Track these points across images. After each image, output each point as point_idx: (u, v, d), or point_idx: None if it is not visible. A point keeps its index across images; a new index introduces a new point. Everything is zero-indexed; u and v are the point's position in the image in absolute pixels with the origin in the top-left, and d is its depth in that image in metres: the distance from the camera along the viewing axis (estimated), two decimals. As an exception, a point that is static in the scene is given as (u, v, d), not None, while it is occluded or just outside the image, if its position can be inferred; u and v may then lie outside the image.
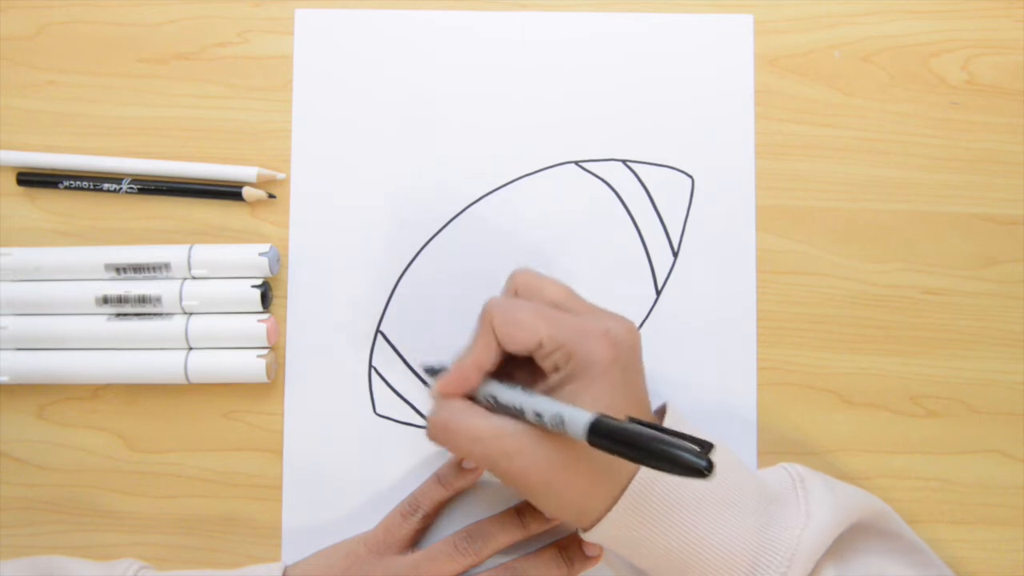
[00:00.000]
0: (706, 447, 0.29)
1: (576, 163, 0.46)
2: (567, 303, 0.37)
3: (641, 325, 0.45)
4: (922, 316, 0.45)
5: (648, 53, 0.46)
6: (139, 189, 0.45)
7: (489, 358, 0.37)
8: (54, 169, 0.46)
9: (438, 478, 0.43)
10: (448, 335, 0.45)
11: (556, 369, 0.35)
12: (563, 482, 0.34)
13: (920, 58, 0.46)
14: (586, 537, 0.36)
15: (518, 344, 0.36)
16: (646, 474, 0.34)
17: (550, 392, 0.35)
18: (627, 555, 0.36)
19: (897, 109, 0.46)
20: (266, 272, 0.44)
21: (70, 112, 0.46)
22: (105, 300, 0.44)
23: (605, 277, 0.45)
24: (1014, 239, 0.45)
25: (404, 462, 0.44)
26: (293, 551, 0.44)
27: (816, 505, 0.36)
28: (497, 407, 0.36)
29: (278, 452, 0.45)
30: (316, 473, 0.45)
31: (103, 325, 0.44)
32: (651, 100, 0.46)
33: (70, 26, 0.46)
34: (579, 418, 0.31)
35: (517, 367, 0.38)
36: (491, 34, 0.46)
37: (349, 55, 0.46)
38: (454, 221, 0.45)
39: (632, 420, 0.31)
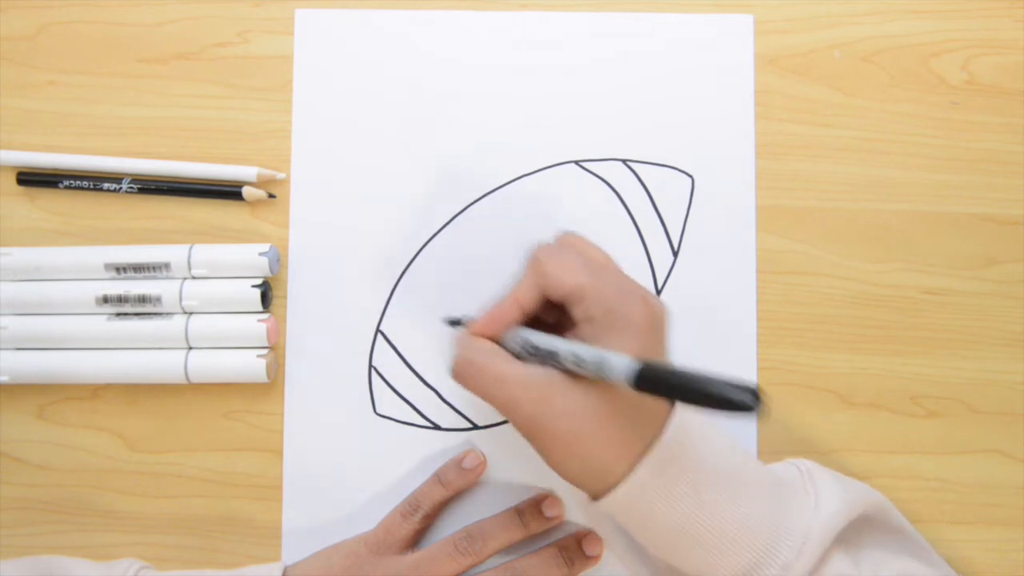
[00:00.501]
0: (752, 385, 0.29)
1: (576, 163, 0.46)
2: (611, 268, 0.38)
3: (641, 325, 0.45)
4: (922, 316, 0.45)
5: (648, 53, 0.46)
6: (139, 189, 0.45)
7: (530, 299, 0.37)
8: (54, 169, 0.46)
9: (438, 478, 0.43)
10: (448, 335, 0.45)
11: (590, 320, 0.35)
12: (588, 435, 0.34)
13: (920, 58, 0.46)
14: (599, 506, 0.35)
15: (564, 287, 0.36)
16: (672, 437, 0.34)
17: (582, 342, 0.35)
18: (635, 528, 0.36)
19: (897, 109, 0.46)
20: (266, 272, 0.44)
21: (70, 112, 0.46)
22: (105, 300, 0.44)
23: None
24: (1014, 239, 0.45)
25: (404, 462, 0.44)
26: (293, 551, 0.44)
27: (825, 495, 0.36)
28: (528, 355, 0.36)
29: (278, 452, 0.45)
30: (316, 473, 0.45)
31: (103, 325, 0.44)
32: (651, 100, 0.46)
33: (70, 26, 0.46)
34: (624, 363, 0.31)
35: (542, 327, 0.38)
36: (491, 34, 0.46)
37: (349, 55, 0.46)
38: (454, 221, 0.45)
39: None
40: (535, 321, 0.38)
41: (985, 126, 0.46)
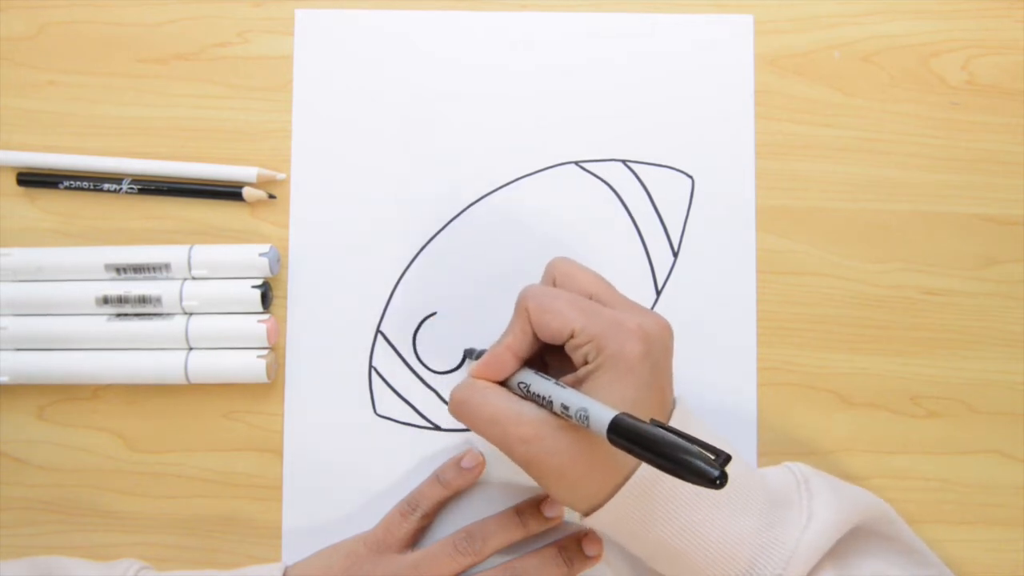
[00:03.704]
0: (722, 458, 0.29)
1: (576, 163, 0.46)
2: (603, 295, 0.38)
3: (641, 325, 0.45)
4: (922, 316, 0.45)
5: (648, 53, 0.46)
6: (139, 189, 0.45)
7: (523, 345, 0.37)
8: (54, 169, 0.46)
9: (437, 477, 0.43)
10: (448, 335, 0.45)
11: (586, 361, 0.35)
12: (573, 470, 0.35)
13: (920, 58, 0.46)
14: (585, 522, 0.36)
15: (551, 333, 0.36)
16: (649, 469, 0.34)
17: (578, 382, 0.35)
18: (624, 542, 0.37)
19: (897, 109, 0.46)
20: (266, 272, 0.44)
21: (70, 112, 0.46)
22: (105, 300, 0.44)
23: (605, 277, 0.45)
24: (1014, 239, 0.45)
25: (404, 462, 0.44)
26: (293, 551, 0.44)
27: (819, 506, 0.36)
28: (528, 395, 0.37)
29: (278, 452, 0.45)
30: (316, 473, 0.45)
31: (103, 325, 0.44)
32: (651, 100, 0.46)
33: (70, 26, 0.46)
34: (602, 415, 0.32)
35: (551, 353, 0.38)
36: (491, 34, 0.46)
37: (349, 55, 0.46)
38: (454, 221, 0.45)
39: (654, 422, 0.31)
40: (547, 350, 0.38)
41: (985, 126, 0.46)
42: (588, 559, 0.42)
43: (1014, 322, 0.45)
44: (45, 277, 0.44)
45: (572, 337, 0.36)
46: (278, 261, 0.45)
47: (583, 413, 0.33)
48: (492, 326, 0.45)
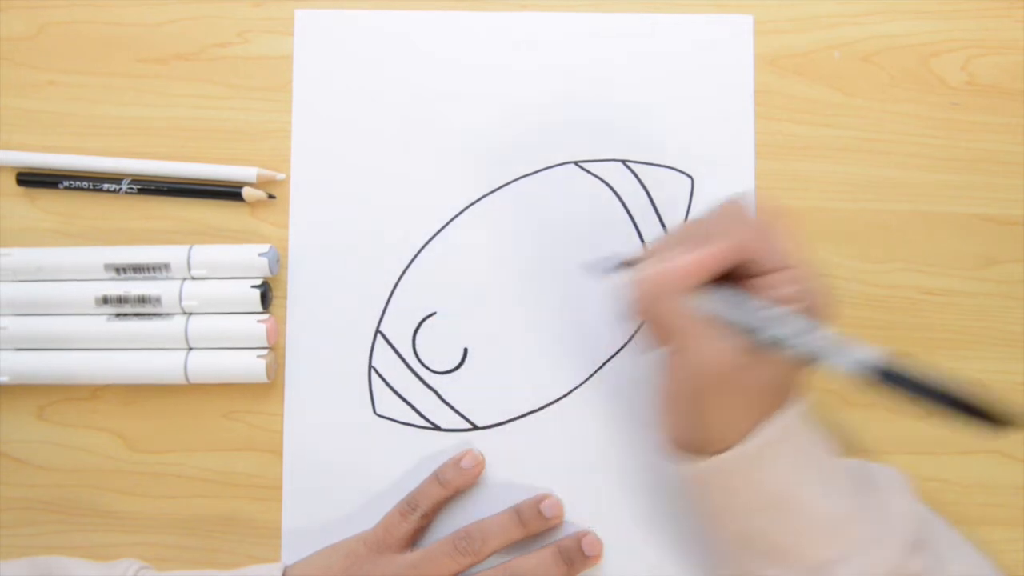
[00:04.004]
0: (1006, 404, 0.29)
1: (576, 163, 0.46)
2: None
3: (641, 325, 0.45)
4: (922, 316, 0.45)
5: (648, 53, 0.46)
6: (139, 189, 0.45)
7: (727, 259, 0.35)
8: (54, 169, 0.46)
9: (437, 477, 0.43)
10: (448, 335, 0.45)
11: (785, 302, 0.35)
12: (737, 405, 0.35)
13: (920, 58, 0.46)
14: (695, 467, 0.36)
15: (773, 260, 0.35)
16: (797, 414, 0.35)
17: None
18: (727, 495, 0.36)
19: (897, 109, 0.46)
20: (266, 272, 0.44)
21: (70, 112, 0.46)
22: (105, 300, 0.44)
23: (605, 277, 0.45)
24: (1014, 239, 0.45)
25: (404, 462, 0.45)
26: (293, 551, 0.44)
27: (896, 504, 0.36)
28: (730, 311, 0.35)
29: (278, 452, 0.45)
30: (316, 473, 0.45)
31: (103, 325, 0.44)
32: (651, 100, 0.46)
33: (70, 26, 0.46)
34: (870, 355, 0.31)
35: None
36: (491, 34, 0.46)
37: (349, 55, 0.46)
38: (454, 221, 0.45)
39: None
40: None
41: (985, 126, 0.46)
42: (588, 559, 0.42)
43: (1014, 322, 0.45)
44: (45, 277, 0.44)
45: (778, 285, 0.35)
46: (278, 261, 0.45)
47: (836, 348, 0.32)
48: (492, 326, 0.45)
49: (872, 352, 0.32)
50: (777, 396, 0.36)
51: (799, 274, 0.35)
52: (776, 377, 0.35)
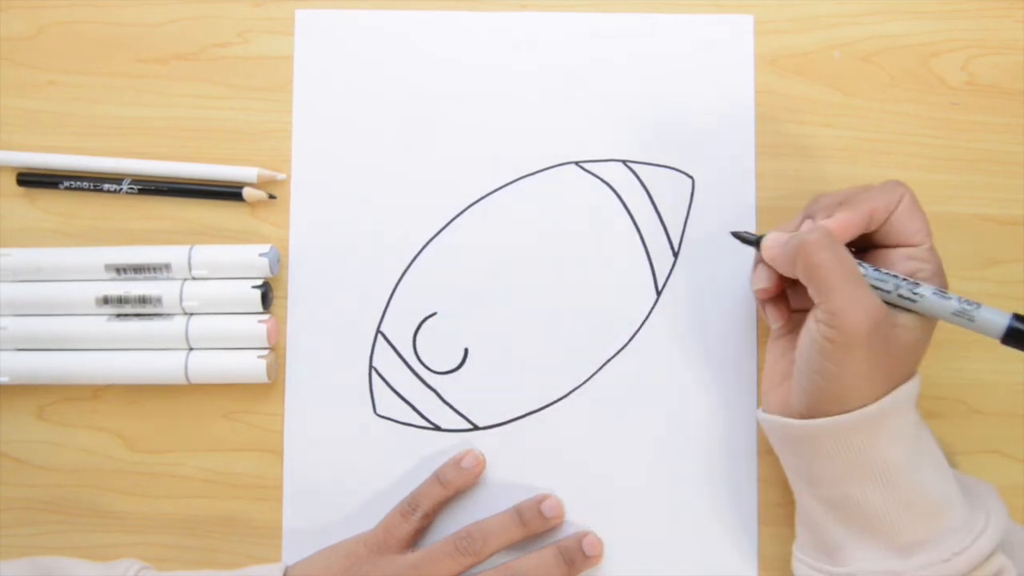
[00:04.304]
0: None
1: (576, 163, 0.46)
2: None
3: (641, 325, 0.45)
4: (922, 316, 0.45)
5: (648, 53, 0.46)
6: (139, 189, 0.45)
7: (864, 222, 0.38)
8: (54, 169, 0.46)
9: (438, 478, 0.43)
10: (448, 335, 0.45)
11: (913, 273, 0.38)
12: (881, 367, 0.36)
13: (920, 58, 0.46)
14: (813, 425, 0.37)
15: (907, 232, 0.38)
16: (913, 386, 0.37)
17: None
18: (837, 458, 0.37)
19: (897, 109, 0.46)
20: (266, 272, 0.44)
21: (70, 112, 0.46)
22: (105, 300, 0.44)
23: (605, 277, 0.45)
24: (1014, 239, 0.45)
25: (404, 462, 0.45)
26: (293, 551, 0.44)
27: (990, 502, 0.37)
28: (869, 275, 0.38)
29: (278, 452, 0.45)
30: (316, 473, 0.45)
31: (103, 325, 0.44)
32: (651, 100, 0.46)
33: (70, 26, 0.46)
34: (1001, 317, 0.36)
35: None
36: (491, 34, 0.46)
37: (349, 55, 0.46)
38: (454, 221, 0.45)
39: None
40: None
41: (985, 126, 0.46)
42: (589, 559, 0.42)
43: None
44: (45, 277, 0.44)
45: (913, 246, 0.38)
46: (278, 261, 0.45)
47: (969, 311, 0.36)
48: (492, 326, 0.45)
49: (999, 313, 0.36)
50: (903, 367, 0.37)
51: (928, 251, 0.38)
52: (909, 344, 0.37)
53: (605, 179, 0.45)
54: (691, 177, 0.45)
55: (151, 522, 0.45)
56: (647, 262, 0.45)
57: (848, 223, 0.37)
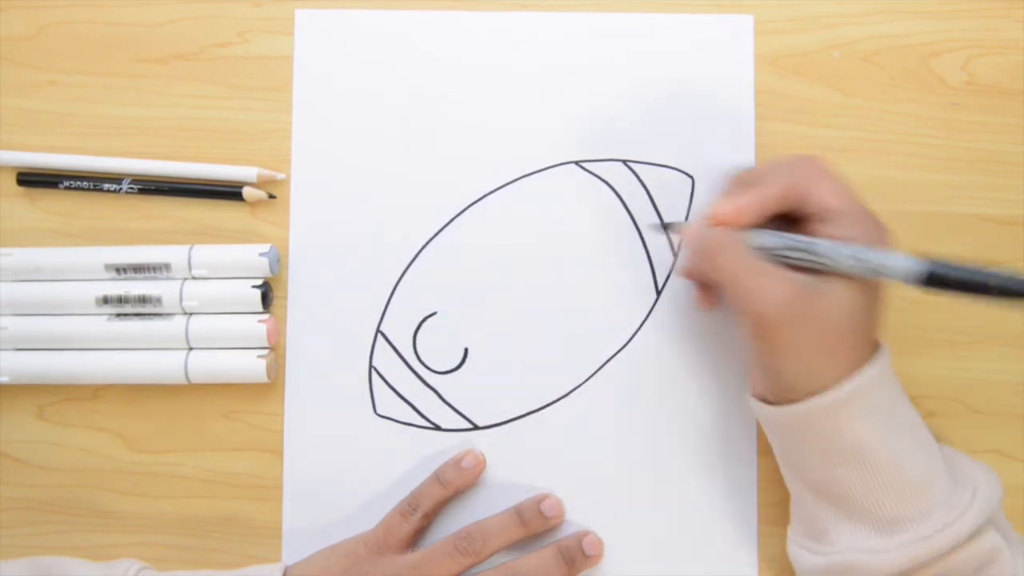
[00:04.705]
0: None
1: (576, 163, 0.46)
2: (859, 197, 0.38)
3: (641, 325, 0.45)
4: (922, 316, 0.45)
5: (648, 53, 0.46)
6: (139, 189, 0.45)
7: (771, 203, 0.38)
8: (54, 169, 0.46)
9: (438, 478, 0.43)
10: (448, 335, 0.45)
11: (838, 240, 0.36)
12: (814, 344, 0.35)
13: (920, 58, 0.46)
14: (779, 412, 0.37)
15: (821, 205, 0.37)
16: (884, 363, 0.36)
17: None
18: (810, 441, 0.37)
19: (897, 109, 0.46)
20: (266, 272, 0.44)
21: (70, 112, 0.46)
22: (105, 300, 0.44)
23: (605, 277, 0.45)
24: (1014, 239, 0.45)
25: (404, 462, 0.45)
26: (293, 551, 0.44)
27: (980, 479, 0.37)
28: (778, 248, 0.37)
29: (278, 452, 0.45)
30: (316, 473, 0.45)
31: (103, 325, 0.44)
32: (651, 100, 0.46)
33: (70, 26, 0.46)
34: (910, 263, 0.34)
35: None
36: (491, 34, 0.46)
37: (349, 55, 0.46)
38: (454, 221, 0.45)
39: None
40: None
41: (985, 126, 0.46)
42: (589, 559, 0.42)
43: (1014, 322, 0.45)
44: (45, 277, 0.44)
45: (840, 218, 0.36)
46: (278, 261, 0.45)
47: (881, 262, 0.34)
48: (492, 326, 0.45)
49: (912, 261, 0.34)
50: (854, 337, 0.36)
51: (854, 218, 0.37)
52: (847, 312, 0.36)
53: (605, 179, 0.45)
54: (691, 177, 0.45)
55: (151, 522, 0.45)
56: (647, 262, 0.45)
57: (752, 204, 0.37)
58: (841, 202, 0.37)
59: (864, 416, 0.36)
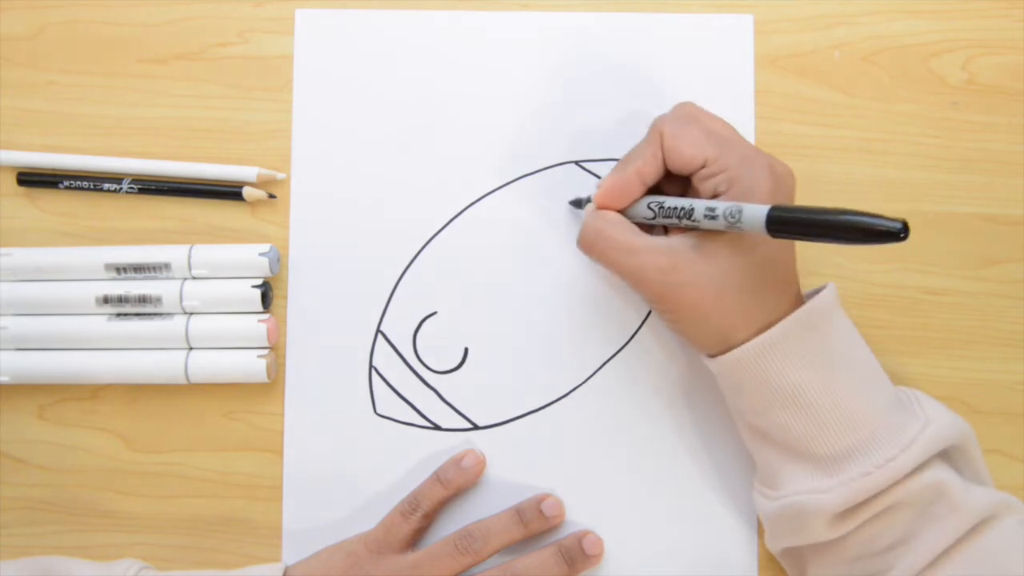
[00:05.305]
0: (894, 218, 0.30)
1: (576, 163, 0.46)
2: (731, 136, 0.38)
3: (641, 325, 0.45)
4: (922, 316, 0.45)
5: (648, 53, 0.46)
6: (139, 189, 0.45)
7: (651, 171, 0.38)
8: (54, 169, 0.46)
9: (438, 477, 0.43)
10: (448, 335, 0.45)
11: (715, 194, 0.37)
12: (711, 303, 0.36)
13: (920, 58, 0.46)
14: (714, 362, 0.38)
15: (684, 160, 0.37)
16: (808, 311, 0.36)
17: None
18: (742, 388, 0.37)
19: (897, 109, 0.46)
20: (266, 272, 0.44)
21: (70, 112, 0.46)
22: (105, 300, 0.44)
23: (605, 277, 0.45)
24: (1014, 239, 0.45)
25: (404, 462, 0.45)
26: (293, 551, 0.44)
27: (934, 414, 0.37)
28: (657, 218, 0.38)
29: (278, 452, 0.45)
30: (316, 473, 0.45)
31: (103, 325, 0.44)
32: (651, 100, 0.46)
33: (70, 26, 0.46)
34: (757, 209, 0.33)
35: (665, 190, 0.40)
36: (492, 34, 0.46)
37: (349, 55, 0.46)
38: (454, 221, 0.45)
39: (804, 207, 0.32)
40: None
41: (985, 126, 0.46)
42: (589, 559, 0.42)
43: (1014, 322, 0.45)
44: (45, 277, 0.44)
45: (704, 167, 0.37)
46: (278, 261, 0.45)
47: (733, 212, 0.34)
48: (492, 326, 0.45)
49: (757, 208, 0.33)
50: (764, 288, 0.36)
51: (719, 164, 0.37)
52: (742, 266, 0.36)
53: (605, 179, 0.45)
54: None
55: (151, 522, 0.45)
56: (647, 262, 0.45)
57: (621, 182, 0.38)
58: (709, 154, 0.37)
59: (795, 358, 0.36)
